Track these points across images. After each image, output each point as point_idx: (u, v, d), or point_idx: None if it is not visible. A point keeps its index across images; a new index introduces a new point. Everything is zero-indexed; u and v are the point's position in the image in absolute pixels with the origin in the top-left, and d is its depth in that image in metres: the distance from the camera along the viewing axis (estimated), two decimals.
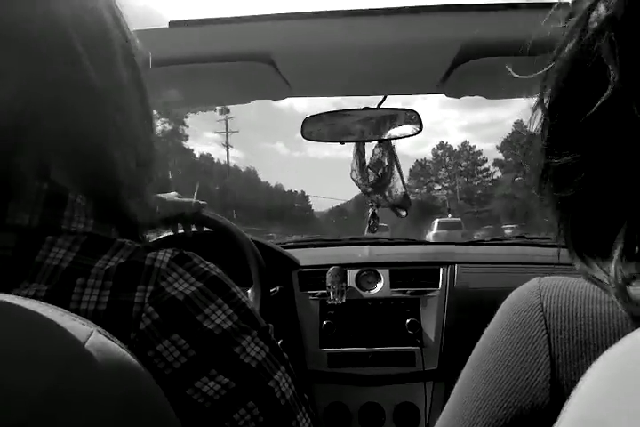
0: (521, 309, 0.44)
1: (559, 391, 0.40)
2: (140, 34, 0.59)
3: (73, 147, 0.48)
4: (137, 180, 0.55)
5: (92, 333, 0.33)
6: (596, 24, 0.41)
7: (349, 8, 1.08)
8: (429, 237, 22.47)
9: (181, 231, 1.23)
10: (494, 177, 55.28)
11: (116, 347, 0.34)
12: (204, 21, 1.05)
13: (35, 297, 0.40)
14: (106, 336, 0.35)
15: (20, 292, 0.41)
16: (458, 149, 59.16)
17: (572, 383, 0.33)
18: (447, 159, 59.85)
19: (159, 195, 1.12)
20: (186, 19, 1.05)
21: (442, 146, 60.26)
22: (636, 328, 0.37)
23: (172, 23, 1.05)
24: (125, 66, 0.52)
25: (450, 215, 36.95)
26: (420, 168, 60.78)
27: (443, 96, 1.40)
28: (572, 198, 0.45)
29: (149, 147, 0.57)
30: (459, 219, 31.72)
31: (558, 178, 0.46)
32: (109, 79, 0.49)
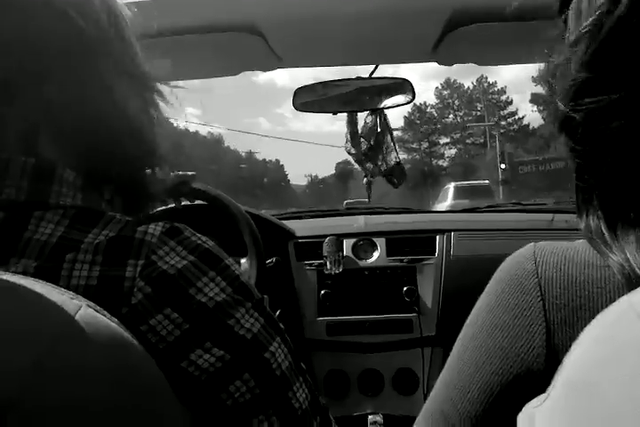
0: (516, 275, 0.45)
1: (554, 357, 0.40)
2: (125, 6, 0.58)
3: (66, 116, 0.48)
4: (147, 152, 0.55)
5: (80, 307, 0.33)
6: None
7: None
8: (441, 208, 15.27)
9: (172, 205, 1.24)
10: (525, 122, 40.49)
11: (105, 320, 0.35)
12: None
13: (24, 273, 0.40)
14: (95, 310, 0.35)
15: (8, 268, 0.41)
16: (472, 88, 43.18)
17: (568, 349, 0.33)
18: (456, 102, 43.87)
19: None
20: None
21: (448, 84, 43.97)
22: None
23: None
24: (111, 28, 0.51)
25: None
26: (419, 114, 45.13)
27: (424, 69, 1.37)
28: (605, 150, 0.42)
29: (150, 116, 0.57)
30: (487, 182, 20.75)
31: (590, 124, 0.42)
32: (97, 30, 0.49)
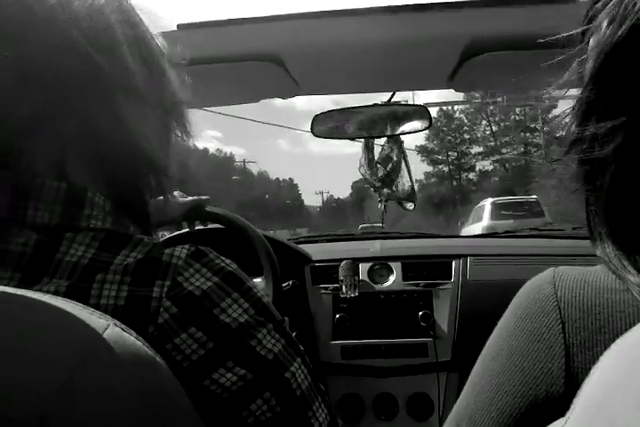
0: (535, 298, 0.45)
1: (574, 380, 0.40)
2: (158, 35, 0.61)
3: (88, 146, 0.49)
4: (159, 178, 0.56)
5: (108, 326, 0.35)
6: None
7: (355, 7, 1.09)
8: (475, 231, 12.24)
9: (186, 229, 1.25)
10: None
11: (132, 340, 0.36)
12: (211, 23, 1.07)
13: (55, 293, 0.42)
14: (123, 329, 0.36)
15: (41, 288, 0.42)
16: None
17: (587, 372, 0.33)
18: (490, 108, 34.22)
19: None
20: (194, 21, 1.07)
21: None
22: None
23: (180, 26, 1.07)
24: (135, 60, 0.52)
25: None
26: (447, 121, 38.33)
27: None
28: (611, 160, 0.43)
29: (167, 141, 0.58)
30: (534, 197, 15.62)
31: (597, 139, 0.43)
32: (117, 66, 0.49)
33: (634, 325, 0.38)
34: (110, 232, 0.48)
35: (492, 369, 0.46)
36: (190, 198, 1.17)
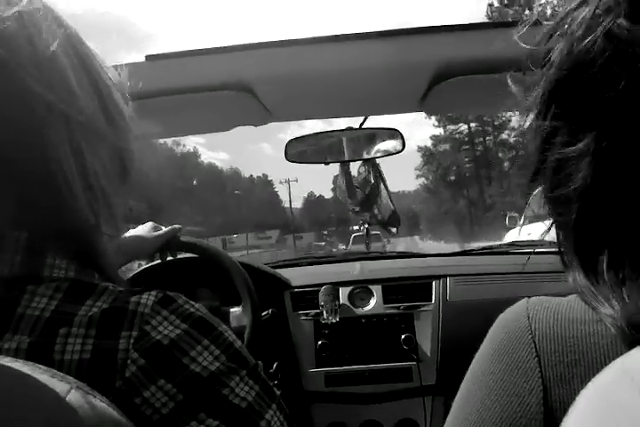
0: (510, 331, 0.45)
1: (552, 414, 0.39)
2: (117, 68, 0.60)
3: (36, 196, 0.47)
4: (107, 220, 0.53)
5: (70, 389, 0.33)
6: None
7: (323, 34, 1.10)
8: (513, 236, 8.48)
9: (158, 261, 1.23)
10: None
11: (96, 402, 0.34)
12: (179, 54, 1.07)
13: (17, 350, 0.41)
14: (86, 392, 0.34)
15: (2, 345, 0.41)
16: None
17: (566, 406, 0.33)
18: None
19: (136, 231, 1.12)
20: (161, 52, 1.07)
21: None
22: (625, 348, 0.37)
23: (148, 57, 1.07)
24: (91, 96, 0.51)
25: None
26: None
27: None
28: (575, 198, 0.42)
29: (119, 180, 0.56)
30: None
31: (559, 172, 0.43)
32: (64, 104, 0.47)
33: (608, 357, 0.38)
34: (74, 282, 0.46)
35: (473, 404, 0.45)
36: (164, 230, 1.15)
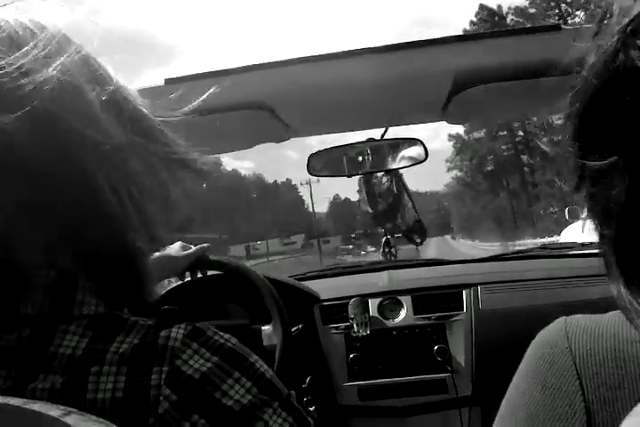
0: (549, 353, 0.43)
1: None
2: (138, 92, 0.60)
3: (73, 233, 0.48)
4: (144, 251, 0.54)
5: None
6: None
7: (341, 49, 1.10)
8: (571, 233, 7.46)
9: (188, 279, 1.24)
10: None
11: None
12: (197, 76, 1.08)
13: (51, 390, 0.41)
14: None
15: (36, 386, 0.41)
16: None
17: None
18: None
19: (166, 252, 1.13)
20: (180, 75, 1.08)
21: None
22: None
23: (167, 80, 1.08)
24: (119, 124, 0.51)
25: None
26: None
27: None
28: (614, 213, 0.41)
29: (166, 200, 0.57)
30: None
31: (596, 186, 0.42)
32: (98, 138, 0.47)
33: None
34: (104, 318, 0.47)
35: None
36: (193, 249, 1.16)
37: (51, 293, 0.46)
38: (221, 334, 0.48)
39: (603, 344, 0.41)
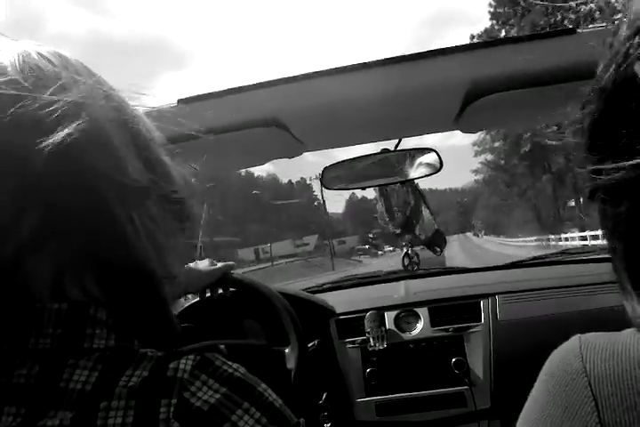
0: (564, 372, 0.43)
1: None
2: (149, 112, 0.60)
3: (88, 263, 0.48)
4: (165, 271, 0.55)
5: None
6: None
7: (349, 63, 1.08)
8: None
9: (208, 295, 1.25)
10: None
11: None
12: (208, 96, 1.07)
13: (61, 425, 0.41)
14: None
15: (46, 423, 0.41)
16: None
17: None
18: None
19: (194, 265, 1.14)
20: (192, 95, 1.07)
21: None
22: None
23: (180, 100, 1.08)
24: (135, 155, 0.52)
25: None
26: None
27: None
28: (623, 225, 0.42)
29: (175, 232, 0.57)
30: None
31: (608, 197, 0.42)
32: (114, 167, 0.49)
33: None
34: (114, 351, 0.46)
35: None
36: (218, 266, 1.17)
37: (60, 327, 0.45)
38: (229, 363, 0.48)
39: (619, 364, 0.40)
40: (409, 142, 1.51)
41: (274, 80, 1.07)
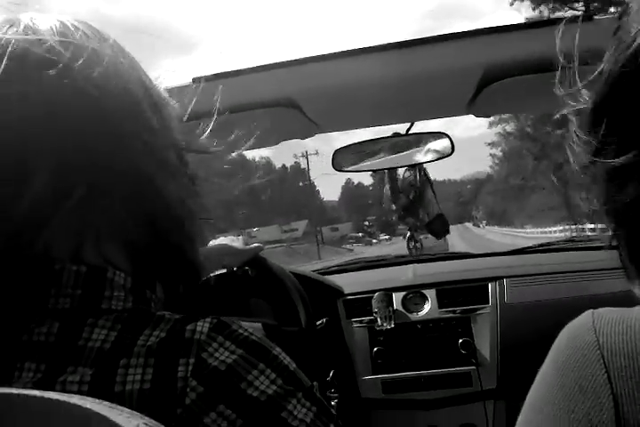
0: (576, 346, 0.43)
1: None
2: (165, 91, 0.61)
3: (116, 226, 0.50)
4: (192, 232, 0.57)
5: (138, 426, 0.33)
6: None
7: (362, 38, 1.09)
8: None
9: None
10: None
11: None
12: (224, 74, 1.08)
13: (80, 382, 0.42)
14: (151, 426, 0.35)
15: (66, 378, 0.42)
16: None
17: (638, 423, 0.31)
18: None
19: (219, 243, 1.13)
20: (207, 75, 1.08)
21: None
22: None
23: (195, 79, 1.09)
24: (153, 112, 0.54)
25: None
26: None
27: None
28: (626, 211, 0.41)
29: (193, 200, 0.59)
30: None
31: (610, 184, 0.42)
32: (140, 127, 0.51)
33: None
34: (132, 312, 0.48)
35: (539, 422, 0.44)
36: (250, 247, 1.15)
37: (80, 288, 0.47)
38: (245, 327, 0.49)
39: (631, 337, 0.40)
40: (415, 128, 1.51)
41: (289, 61, 1.08)
